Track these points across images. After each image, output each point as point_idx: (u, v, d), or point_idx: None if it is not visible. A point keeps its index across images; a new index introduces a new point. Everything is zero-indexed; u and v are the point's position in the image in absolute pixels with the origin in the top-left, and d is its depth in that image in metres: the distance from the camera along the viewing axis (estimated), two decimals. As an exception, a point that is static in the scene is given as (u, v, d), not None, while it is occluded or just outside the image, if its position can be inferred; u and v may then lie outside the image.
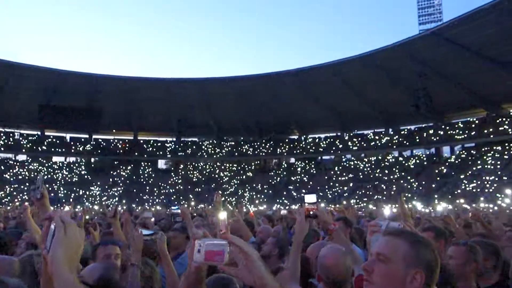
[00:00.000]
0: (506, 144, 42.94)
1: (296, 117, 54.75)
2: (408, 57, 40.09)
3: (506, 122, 42.82)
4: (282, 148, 57.31)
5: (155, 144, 58.80)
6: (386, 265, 1.41)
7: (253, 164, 59.74)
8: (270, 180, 54.03)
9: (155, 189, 52.05)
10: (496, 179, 38.11)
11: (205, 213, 9.31)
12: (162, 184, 53.31)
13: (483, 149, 44.82)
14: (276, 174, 55.93)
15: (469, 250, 2.77)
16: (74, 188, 49.20)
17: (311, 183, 50.79)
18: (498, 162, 41.33)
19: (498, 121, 43.63)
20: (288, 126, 57.08)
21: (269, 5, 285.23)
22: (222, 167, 58.50)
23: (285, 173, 55.66)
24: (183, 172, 57.13)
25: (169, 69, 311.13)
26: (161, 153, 58.30)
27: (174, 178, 55.60)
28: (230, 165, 58.95)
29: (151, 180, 54.63)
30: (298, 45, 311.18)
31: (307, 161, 56.56)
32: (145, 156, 57.18)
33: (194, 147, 59.25)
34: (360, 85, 45.94)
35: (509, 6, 31.97)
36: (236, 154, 58.11)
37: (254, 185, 53.10)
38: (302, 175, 53.97)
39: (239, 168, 58.34)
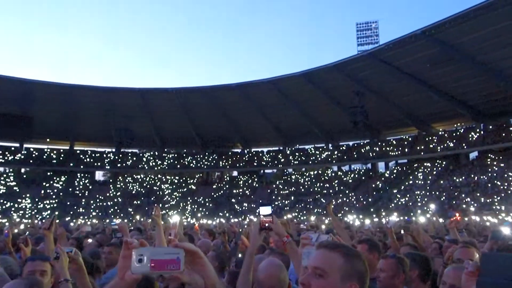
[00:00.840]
0: (435, 161, 45.91)
1: (239, 131, 55.05)
2: (347, 76, 41.87)
3: (435, 140, 45.82)
4: (225, 161, 57.24)
5: (92, 155, 56.36)
6: (323, 279, 1.43)
7: (195, 176, 59.06)
8: (212, 193, 53.61)
9: (91, 201, 49.71)
10: (427, 193, 40.48)
11: (143, 227, 9.04)
12: (99, 197, 51.04)
13: (414, 165, 47.54)
14: (219, 187, 55.64)
15: (398, 262, 2.89)
16: (1, 201, 45.72)
17: (253, 196, 51.08)
18: (429, 177, 43.99)
19: (428, 139, 46.57)
20: (231, 139, 57.21)
21: (214, 18, 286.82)
22: (163, 180, 57.25)
23: (227, 186, 55.53)
24: (122, 184, 55.15)
25: (109, 78, 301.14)
26: (99, 164, 55.89)
27: (112, 191, 53.49)
28: (172, 177, 57.86)
29: (87, 192, 52.15)
30: (242, 59, 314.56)
31: (249, 175, 56.87)
32: (82, 167, 54.58)
33: (134, 158, 57.52)
34: (302, 102, 47.24)
35: (437, 33, 34.58)
36: (178, 166, 57.16)
37: (196, 198, 52.41)
38: (245, 188, 54.13)
39: (181, 180, 57.39)
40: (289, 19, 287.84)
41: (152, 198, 50.59)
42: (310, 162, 53.87)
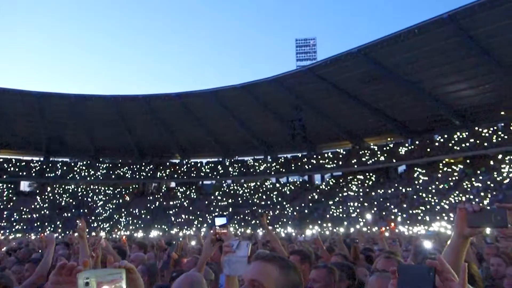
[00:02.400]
0: (367, 174, 48.09)
1: (178, 141, 54.22)
2: (286, 90, 42.84)
3: (367, 154, 48.05)
4: (163, 171, 55.99)
5: (17, 164, 52.57)
6: None
7: (130, 187, 57.13)
8: (149, 205, 52.10)
9: (15, 214, 46.23)
10: (359, 205, 42.18)
11: (70, 241, 8.54)
12: (24, 209, 47.64)
13: (348, 178, 49.45)
14: (155, 199, 54.21)
15: (329, 271, 2.96)
16: None
17: (191, 208, 50.34)
18: (361, 190, 45.93)
19: (360, 153, 48.72)
20: (170, 149, 56.16)
21: (155, 26, 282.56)
22: (96, 191, 54.74)
23: (164, 197, 54.27)
24: (50, 196, 51.92)
25: (38, 82, 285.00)
26: (24, 173, 52.28)
27: (39, 202, 50.18)
28: (105, 188, 55.49)
29: (11, 204, 48.47)
30: (182, 69, 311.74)
31: (187, 186, 56.04)
32: (5, 176, 50.69)
33: (64, 168, 54.48)
34: (242, 113, 47.60)
35: (370, 53, 36.50)
36: (113, 177, 54.98)
37: (131, 209, 50.63)
38: (182, 199, 53.21)
39: (115, 191, 55.20)
40: (232, 32, 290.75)
41: (84, 211, 48.13)
42: (249, 174, 54.20)
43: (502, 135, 38.69)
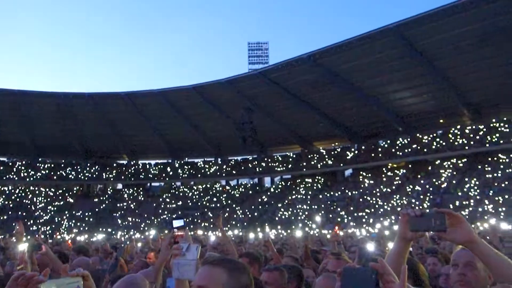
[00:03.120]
0: (316, 177, 49.16)
1: (125, 141, 52.67)
2: (238, 93, 42.94)
3: (316, 158, 49.15)
4: (109, 172, 54.14)
5: None
6: None
7: (74, 189, 54.75)
8: (93, 207, 50.15)
9: None
10: (307, 208, 43.00)
11: (5, 245, 8.04)
12: (-46, 211, 44.35)
13: (297, 181, 50.28)
14: (101, 201, 52.29)
15: (280, 274, 3.00)
16: None
17: (137, 210, 49.08)
18: (309, 193, 46.85)
19: (310, 156, 49.74)
20: (117, 149, 54.42)
21: (107, 26, 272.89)
22: (37, 192, 51.94)
23: (110, 199, 52.49)
24: (-16, 197, 48.66)
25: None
26: (-45, 173, 48.69)
27: (-28, 204, 46.87)
28: (46, 189, 52.80)
29: None
30: (130, 67, 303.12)
31: (135, 188, 54.56)
32: None
33: (1, 167, 51.26)
34: (193, 115, 47.11)
35: (320, 59, 37.43)
36: (55, 177, 52.41)
37: (74, 212, 48.51)
38: (129, 201, 51.72)
39: (57, 193, 52.66)
40: (184, 33, 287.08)
41: (23, 213, 45.49)
42: (199, 176, 53.68)
43: (441, 141, 41.02)
